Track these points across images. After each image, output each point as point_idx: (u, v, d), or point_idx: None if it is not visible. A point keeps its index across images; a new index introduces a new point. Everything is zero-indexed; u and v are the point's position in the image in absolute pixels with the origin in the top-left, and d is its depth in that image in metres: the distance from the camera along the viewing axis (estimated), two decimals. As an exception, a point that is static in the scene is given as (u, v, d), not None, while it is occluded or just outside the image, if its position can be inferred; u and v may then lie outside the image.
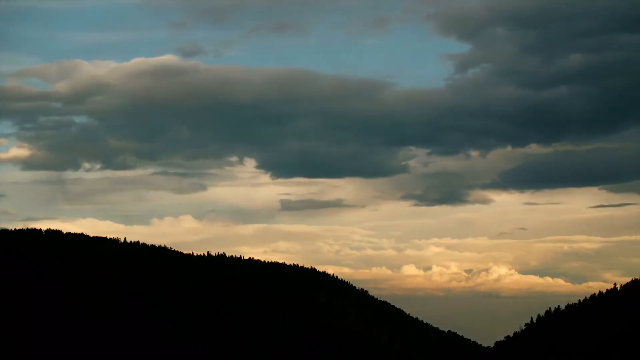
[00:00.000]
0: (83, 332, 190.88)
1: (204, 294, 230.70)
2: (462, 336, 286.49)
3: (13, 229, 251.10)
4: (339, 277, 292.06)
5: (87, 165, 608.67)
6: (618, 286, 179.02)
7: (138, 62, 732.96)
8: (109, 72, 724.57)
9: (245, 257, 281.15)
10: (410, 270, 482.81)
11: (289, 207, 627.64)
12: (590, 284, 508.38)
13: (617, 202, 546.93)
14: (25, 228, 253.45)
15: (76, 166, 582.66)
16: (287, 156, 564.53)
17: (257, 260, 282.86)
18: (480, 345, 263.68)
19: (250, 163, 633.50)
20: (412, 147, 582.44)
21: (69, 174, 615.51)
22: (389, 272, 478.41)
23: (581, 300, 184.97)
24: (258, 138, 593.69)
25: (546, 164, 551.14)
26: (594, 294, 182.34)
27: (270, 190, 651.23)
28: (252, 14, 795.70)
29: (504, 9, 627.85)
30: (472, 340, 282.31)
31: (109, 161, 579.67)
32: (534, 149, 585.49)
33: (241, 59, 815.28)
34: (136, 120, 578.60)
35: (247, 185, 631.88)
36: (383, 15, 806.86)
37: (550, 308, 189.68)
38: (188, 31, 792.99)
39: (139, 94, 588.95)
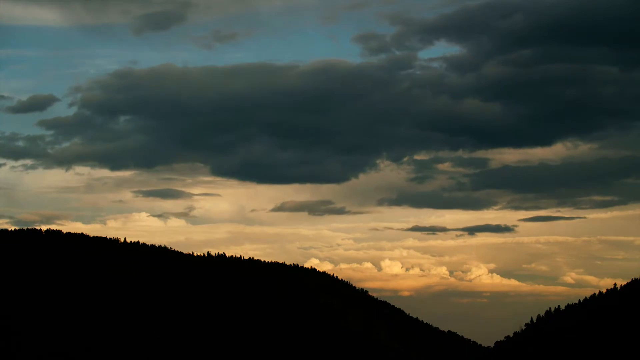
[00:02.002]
0: (83, 332, 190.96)
1: (204, 294, 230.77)
2: (462, 336, 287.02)
3: (13, 229, 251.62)
4: (338, 277, 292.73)
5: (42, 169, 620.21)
6: (618, 286, 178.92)
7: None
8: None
9: (245, 257, 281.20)
10: (392, 270, 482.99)
11: (245, 210, 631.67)
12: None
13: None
14: (25, 228, 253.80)
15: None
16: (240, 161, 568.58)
17: (257, 260, 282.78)
18: (480, 345, 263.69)
19: (204, 168, 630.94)
20: (360, 154, 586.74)
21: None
22: (371, 272, 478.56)
23: (581, 300, 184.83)
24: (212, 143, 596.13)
25: (495, 170, 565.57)
26: (594, 293, 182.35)
27: (228, 194, 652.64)
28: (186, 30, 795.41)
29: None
30: (472, 340, 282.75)
31: (66, 167, 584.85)
32: (481, 154, 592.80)
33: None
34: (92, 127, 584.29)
35: (203, 188, 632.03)
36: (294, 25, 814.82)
37: (550, 308, 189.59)
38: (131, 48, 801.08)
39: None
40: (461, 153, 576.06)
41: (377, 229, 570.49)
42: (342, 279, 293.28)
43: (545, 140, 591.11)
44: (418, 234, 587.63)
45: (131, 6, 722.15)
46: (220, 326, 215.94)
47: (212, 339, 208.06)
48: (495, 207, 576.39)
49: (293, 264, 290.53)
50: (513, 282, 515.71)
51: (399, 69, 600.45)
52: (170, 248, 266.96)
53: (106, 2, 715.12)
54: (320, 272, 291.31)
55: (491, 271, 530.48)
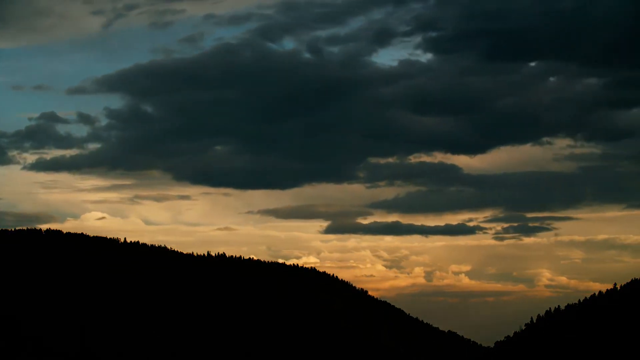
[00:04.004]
0: (83, 332, 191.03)
1: (204, 294, 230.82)
2: (462, 336, 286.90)
3: (13, 229, 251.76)
4: (338, 277, 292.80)
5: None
6: (618, 286, 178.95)
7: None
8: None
9: (245, 257, 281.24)
10: (371, 270, 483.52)
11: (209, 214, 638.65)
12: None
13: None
14: (25, 228, 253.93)
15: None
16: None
17: (257, 260, 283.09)
18: (480, 345, 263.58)
19: (165, 173, 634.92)
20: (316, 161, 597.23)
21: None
22: (352, 273, 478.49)
23: (581, 300, 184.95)
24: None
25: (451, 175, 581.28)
26: (594, 293, 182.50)
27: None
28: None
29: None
30: (472, 340, 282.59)
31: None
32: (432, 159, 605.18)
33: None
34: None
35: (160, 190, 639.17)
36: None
37: (550, 308, 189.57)
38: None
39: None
40: (412, 159, 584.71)
41: (344, 232, 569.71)
42: (342, 279, 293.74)
43: (488, 147, 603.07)
44: (385, 236, 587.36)
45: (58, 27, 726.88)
46: (220, 326, 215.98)
47: (212, 339, 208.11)
48: (454, 211, 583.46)
49: (293, 264, 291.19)
50: (494, 283, 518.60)
51: (340, 80, 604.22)
52: (170, 248, 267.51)
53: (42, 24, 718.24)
54: (320, 272, 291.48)
55: (468, 272, 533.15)
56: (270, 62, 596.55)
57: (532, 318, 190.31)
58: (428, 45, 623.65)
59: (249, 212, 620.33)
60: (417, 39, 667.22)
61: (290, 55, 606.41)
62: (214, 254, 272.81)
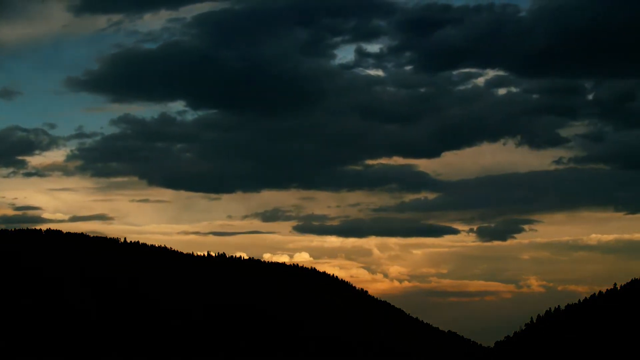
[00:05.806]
0: (82, 332, 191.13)
1: (204, 294, 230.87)
2: (462, 336, 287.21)
3: (13, 229, 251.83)
4: (338, 277, 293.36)
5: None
6: (618, 286, 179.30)
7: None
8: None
9: (245, 257, 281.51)
10: (356, 272, 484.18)
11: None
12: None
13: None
14: (25, 228, 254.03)
15: None
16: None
17: (257, 260, 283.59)
18: (480, 345, 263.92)
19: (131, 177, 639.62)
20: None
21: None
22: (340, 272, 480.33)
23: (581, 300, 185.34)
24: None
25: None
26: (594, 293, 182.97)
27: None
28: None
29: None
30: (472, 340, 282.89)
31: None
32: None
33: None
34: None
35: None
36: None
37: (550, 308, 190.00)
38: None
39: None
40: (375, 164, 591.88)
41: (314, 233, 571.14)
42: (342, 279, 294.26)
43: (442, 151, 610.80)
44: (356, 238, 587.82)
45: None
46: (220, 326, 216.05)
47: (212, 339, 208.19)
48: (420, 214, 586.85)
49: (293, 264, 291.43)
50: (474, 283, 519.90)
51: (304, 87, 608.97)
52: (170, 248, 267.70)
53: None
54: (320, 272, 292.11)
55: (447, 274, 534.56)
56: (217, 71, 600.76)
57: (532, 318, 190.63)
58: (377, 56, 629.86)
59: (215, 216, 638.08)
60: (358, 48, 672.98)
61: (237, 64, 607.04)
62: (213, 254, 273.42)
